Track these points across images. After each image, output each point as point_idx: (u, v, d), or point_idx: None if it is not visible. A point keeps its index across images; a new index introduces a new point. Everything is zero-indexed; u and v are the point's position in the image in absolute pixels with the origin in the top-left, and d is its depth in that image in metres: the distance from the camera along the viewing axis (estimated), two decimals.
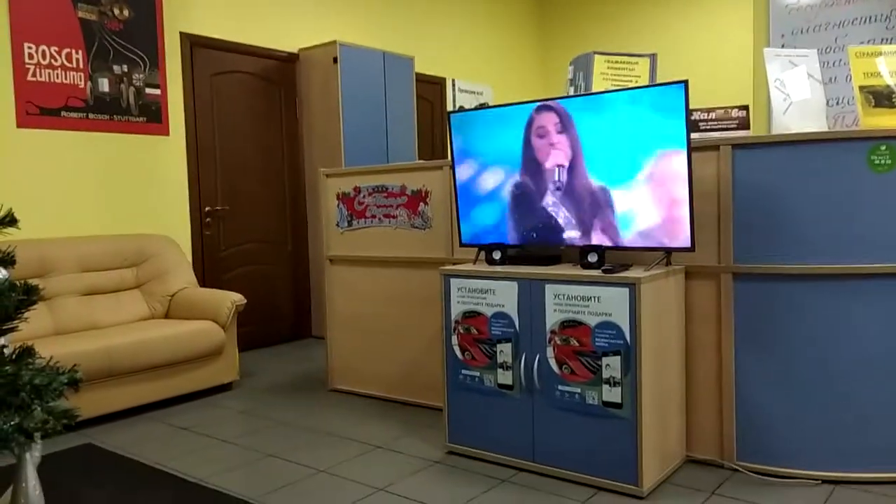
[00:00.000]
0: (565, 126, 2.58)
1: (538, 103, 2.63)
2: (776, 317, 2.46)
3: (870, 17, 4.09)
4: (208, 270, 4.77)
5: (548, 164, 2.64)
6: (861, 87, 2.49)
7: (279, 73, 5.22)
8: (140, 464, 2.80)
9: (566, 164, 2.59)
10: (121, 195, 4.27)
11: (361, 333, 3.69)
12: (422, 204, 3.39)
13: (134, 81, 4.30)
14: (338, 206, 3.73)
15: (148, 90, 4.38)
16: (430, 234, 3.38)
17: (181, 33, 4.58)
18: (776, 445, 2.50)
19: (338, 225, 3.74)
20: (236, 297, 3.87)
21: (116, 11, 4.19)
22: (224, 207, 4.87)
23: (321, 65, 5.16)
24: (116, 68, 4.22)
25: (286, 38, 5.24)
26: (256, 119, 5.09)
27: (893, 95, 2.46)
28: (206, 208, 4.77)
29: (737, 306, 2.53)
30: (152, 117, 4.42)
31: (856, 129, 2.36)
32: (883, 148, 2.31)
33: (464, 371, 2.75)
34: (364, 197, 3.61)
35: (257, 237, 5.10)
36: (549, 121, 2.61)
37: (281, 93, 5.24)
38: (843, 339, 2.39)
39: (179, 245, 4.34)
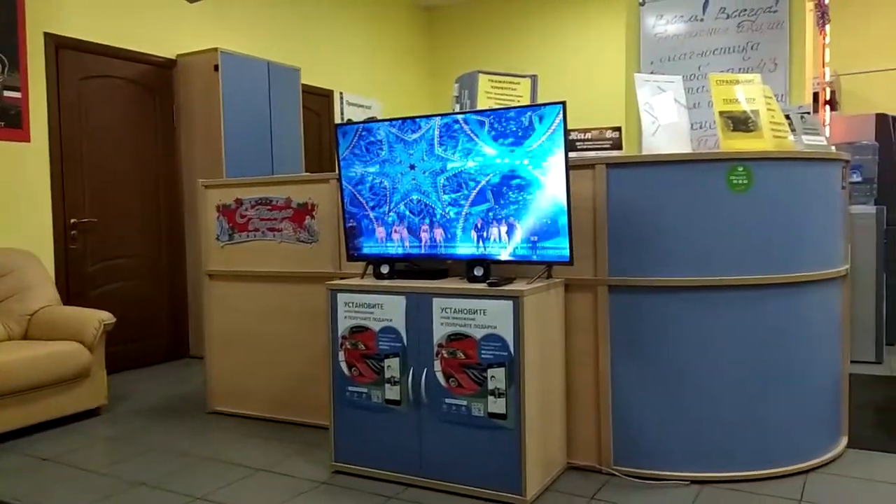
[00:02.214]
0: (454, 141, 2.61)
1: (425, 118, 2.66)
2: (647, 327, 2.60)
3: (729, 48, 4.45)
4: (73, 287, 4.45)
5: (435, 179, 2.66)
6: (721, 113, 2.69)
7: (155, 79, 4.98)
8: None
9: (453, 178, 2.63)
10: None
11: (243, 352, 3.56)
12: (308, 217, 3.33)
13: None
14: (218, 218, 3.59)
15: (7, 93, 4.04)
16: (316, 249, 3.32)
17: (45, 34, 4.27)
18: (649, 449, 2.64)
19: (218, 238, 3.60)
20: (104, 316, 3.63)
21: None
22: (92, 220, 4.56)
23: (201, 72, 4.97)
24: None
25: (163, 42, 5.01)
26: (130, 127, 4.81)
27: (750, 121, 2.68)
28: (72, 220, 4.45)
29: (612, 317, 2.65)
30: (11, 122, 4.08)
31: (716, 152, 2.55)
32: (740, 169, 2.51)
33: (350, 387, 2.71)
34: (246, 209, 3.50)
35: (129, 251, 4.81)
36: (439, 135, 2.64)
37: (157, 100, 5.00)
38: (706, 347, 2.56)
39: (41, 260, 4.02)
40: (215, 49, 4.90)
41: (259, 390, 3.52)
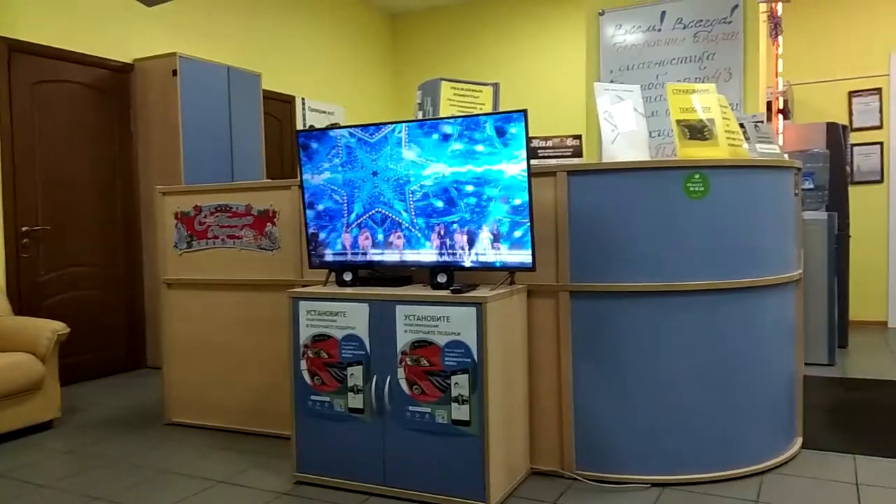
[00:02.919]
0: (416, 148, 2.62)
1: (389, 125, 2.65)
2: (608, 331, 2.64)
3: (686, 58, 4.55)
4: (25, 297, 4.31)
5: (398, 186, 2.66)
6: (678, 121, 2.75)
7: (112, 84, 4.87)
8: None
9: (417, 185, 2.63)
10: None
11: (202, 362, 3.50)
12: (269, 224, 3.29)
13: None
14: (176, 225, 3.52)
15: None
16: (277, 256, 3.28)
17: None
18: (611, 453, 2.67)
19: (176, 246, 3.53)
20: (58, 326, 3.53)
21: None
22: (45, 227, 4.44)
23: (159, 77, 4.88)
24: None
25: (120, 47, 4.91)
26: (86, 132, 4.70)
27: (705, 129, 2.74)
28: (24, 228, 4.32)
29: (574, 323, 2.67)
30: None
31: (674, 159, 2.60)
32: (697, 177, 2.56)
33: (313, 397, 2.68)
34: (205, 216, 3.44)
35: (84, 260, 4.69)
36: (401, 142, 2.64)
37: (113, 105, 4.89)
38: (665, 351, 2.60)
39: None
40: (174, 54, 4.82)
41: (219, 400, 3.46)
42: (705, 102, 2.78)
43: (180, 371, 3.56)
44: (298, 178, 2.92)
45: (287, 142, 6.47)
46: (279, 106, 6.36)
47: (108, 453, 3.15)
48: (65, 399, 4.11)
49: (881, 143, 5.98)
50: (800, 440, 2.98)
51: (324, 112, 6.90)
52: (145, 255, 5.06)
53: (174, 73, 4.80)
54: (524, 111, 2.44)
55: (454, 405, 2.43)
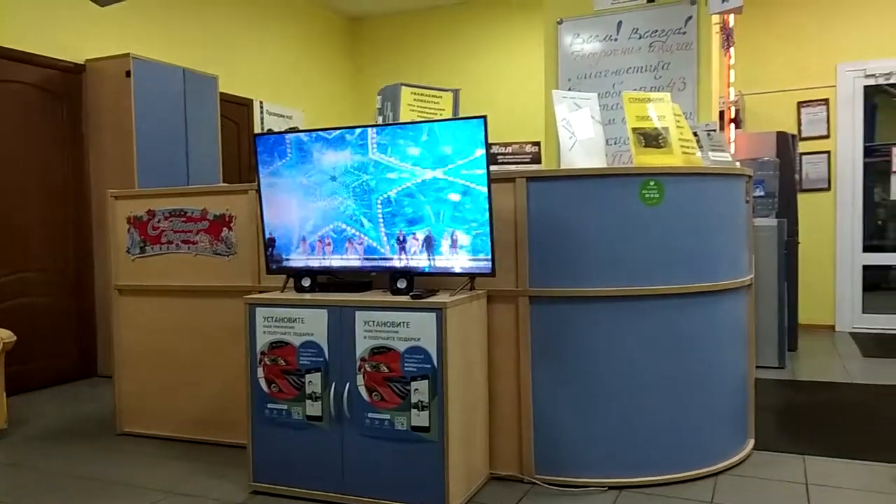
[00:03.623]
0: (376, 153, 2.60)
1: (348, 130, 2.64)
2: (567, 336, 2.66)
3: (641, 68, 4.64)
4: None
5: (358, 191, 2.64)
6: (634, 129, 2.80)
7: (63, 85, 4.74)
8: None
9: (377, 191, 2.62)
10: None
11: (156, 370, 3.42)
12: (225, 229, 3.24)
13: None
14: (129, 230, 3.44)
15: None
16: (234, 262, 3.23)
17: None
18: (569, 457, 2.69)
19: (128, 251, 3.45)
20: (4, 334, 3.41)
21: None
22: None
23: (112, 79, 4.77)
24: None
25: (72, 47, 4.78)
26: (34, 134, 4.56)
27: (661, 137, 2.79)
28: None
29: (533, 328, 2.69)
30: None
31: (630, 167, 2.64)
32: (652, 184, 2.61)
33: (270, 405, 2.64)
34: (159, 221, 3.37)
35: (34, 265, 4.54)
36: (360, 147, 2.63)
37: (64, 107, 4.76)
38: (622, 355, 2.64)
39: None
40: (127, 55, 4.72)
41: (173, 410, 3.39)
42: (660, 111, 2.84)
43: (133, 380, 3.47)
44: (256, 183, 2.88)
45: (245, 146, 6.38)
46: (237, 109, 6.27)
47: (57, 465, 3.05)
48: (11, 409, 3.97)
49: (828, 152, 6.18)
50: (752, 441, 3.05)
51: (282, 116, 6.83)
52: (97, 261, 4.92)
53: (128, 74, 4.70)
54: (484, 117, 2.45)
55: (413, 411, 2.42)
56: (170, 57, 5.51)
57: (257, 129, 6.47)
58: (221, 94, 5.72)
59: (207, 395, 3.31)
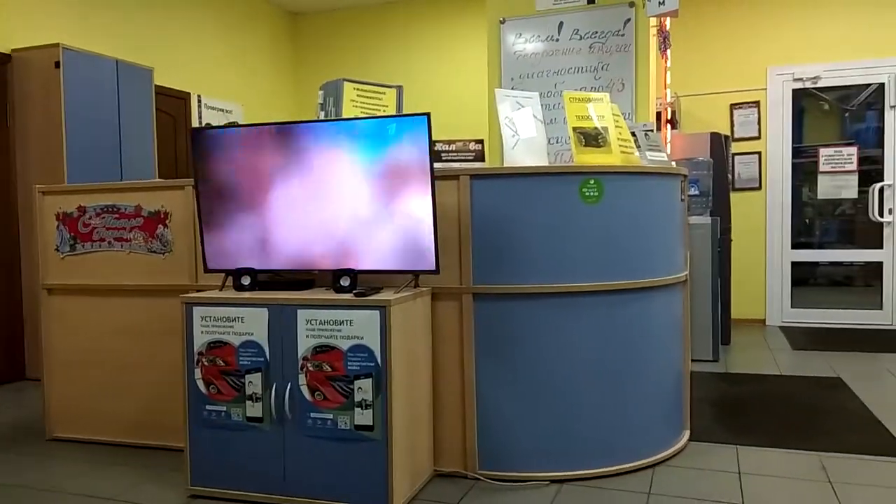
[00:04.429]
0: (315, 150, 2.57)
1: (285, 125, 2.59)
2: (510, 333, 2.68)
3: (582, 68, 4.71)
4: None
5: (297, 188, 2.60)
6: (574, 129, 2.84)
7: None
8: None
9: (317, 188, 2.58)
10: None
11: (88, 372, 3.29)
12: (160, 226, 3.14)
13: None
14: (58, 227, 3.30)
15: None
16: (170, 260, 3.13)
17: None
18: (513, 452, 2.71)
19: (58, 249, 3.31)
20: None
21: None
22: None
23: (40, 69, 4.56)
24: None
25: None
26: None
27: (600, 136, 2.84)
28: None
29: (477, 324, 2.71)
30: None
31: (570, 165, 2.68)
32: (592, 182, 2.66)
33: (208, 406, 2.58)
34: (91, 218, 3.24)
35: None
36: (297, 144, 2.58)
37: None
38: (563, 350, 2.68)
39: None
40: (56, 45, 4.52)
41: (107, 413, 3.27)
42: (600, 111, 2.89)
43: (64, 383, 3.34)
44: (193, 178, 2.81)
45: (181, 140, 6.21)
46: (173, 102, 6.09)
47: None
48: None
49: (759, 153, 6.42)
50: (687, 433, 3.14)
51: (221, 110, 6.67)
52: (23, 259, 4.71)
53: (57, 65, 4.50)
54: (427, 114, 2.45)
55: (357, 410, 2.40)
56: (102, 48, 5.31)
57: (195, 124, 6.30)
58: (157, 86, 5.54)
59: (142, 397, 3.21)
